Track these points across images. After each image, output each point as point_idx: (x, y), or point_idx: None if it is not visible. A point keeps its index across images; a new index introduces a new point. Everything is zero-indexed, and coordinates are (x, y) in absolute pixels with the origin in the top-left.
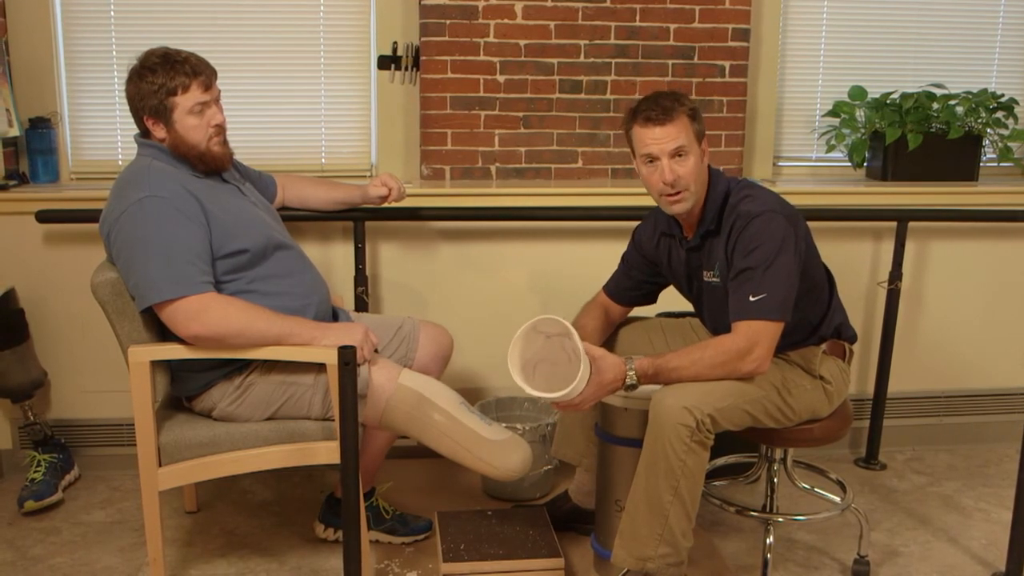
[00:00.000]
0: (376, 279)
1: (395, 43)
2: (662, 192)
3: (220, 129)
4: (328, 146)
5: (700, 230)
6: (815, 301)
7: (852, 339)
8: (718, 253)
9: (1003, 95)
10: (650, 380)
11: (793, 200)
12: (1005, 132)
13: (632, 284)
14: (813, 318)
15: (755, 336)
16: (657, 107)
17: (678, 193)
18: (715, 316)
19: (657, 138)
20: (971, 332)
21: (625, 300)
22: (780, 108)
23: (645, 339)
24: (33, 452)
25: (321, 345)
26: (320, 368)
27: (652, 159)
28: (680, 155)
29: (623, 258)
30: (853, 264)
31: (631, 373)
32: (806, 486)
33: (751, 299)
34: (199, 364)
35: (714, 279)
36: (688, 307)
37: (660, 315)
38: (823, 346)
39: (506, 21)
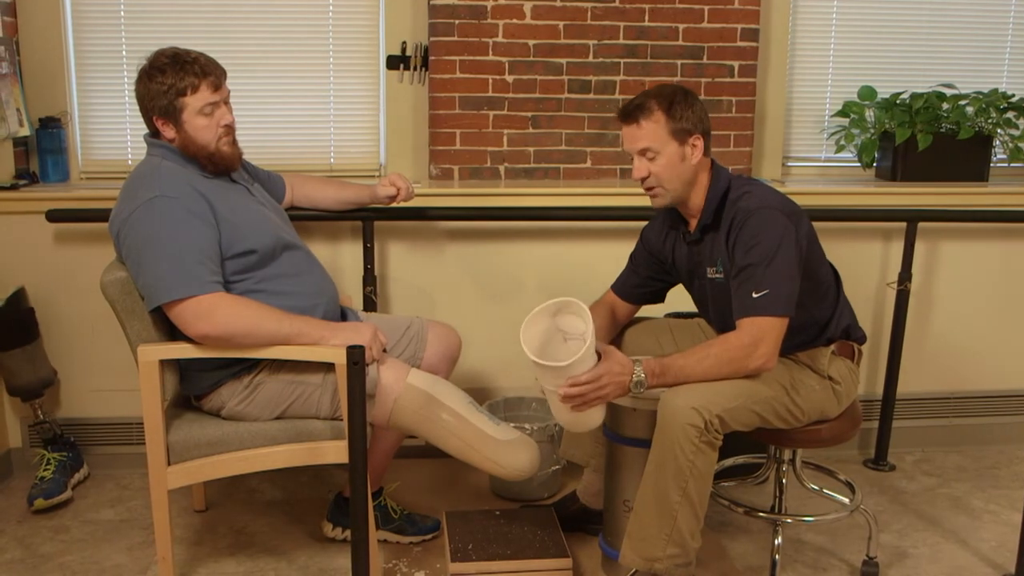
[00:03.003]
0: (385, 279)
1: (404, 43)
2: (642, 187)
3: (229, 129)
4: (337, 146)
5: (699, 224)
6: (821, 300)
7: (861, 340)
8: (719, 248)
9: (1014, 95)
10: (658, 379)
11: (802, 200)
12: (1016, 132)
13: (639, 281)
14: (820, 318)
15: (760, 332)
16: (630, 106)
17: (651, 189)
18: (720, 313)
19: (627, 137)
20: (981, 333)
21: (633, 298)
22: (789, 108)
23: (653, 339)
24: (43, 450)
25: (330, 345)
26: (329, 368)
27: (629, 155)
28: (649, 157)
29: (631, 256)
30: (862, 265)
31: (638, 369)
32: (815, 487)
33: (754, 296)
34: (208, 363)
35: (717, 275)
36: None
37: (668, 315)
38: (832, 347)
39: (515, 21)
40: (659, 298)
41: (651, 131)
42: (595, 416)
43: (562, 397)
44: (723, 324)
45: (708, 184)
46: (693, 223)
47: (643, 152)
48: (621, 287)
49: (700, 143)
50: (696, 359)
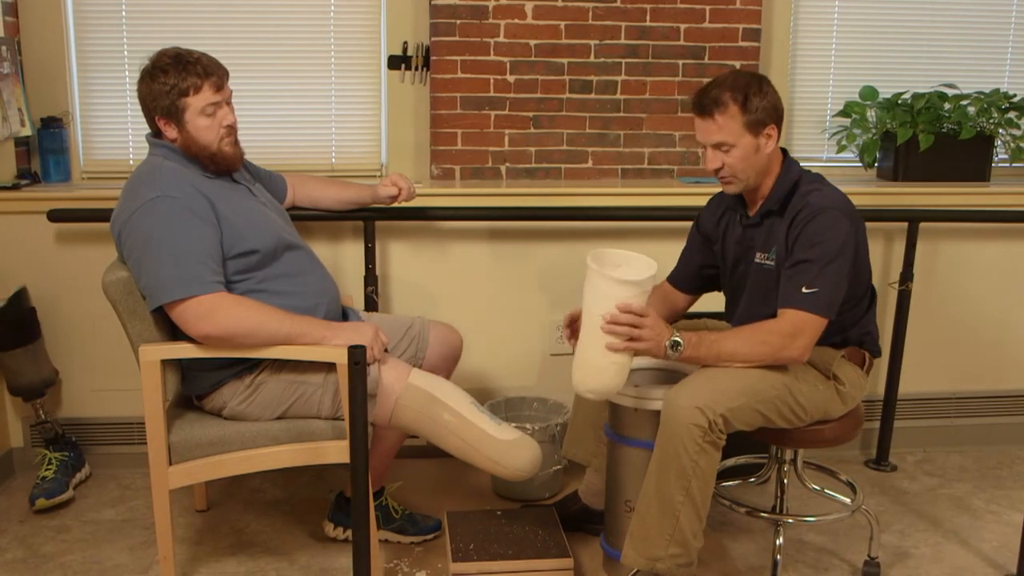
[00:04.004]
0: (386, 279)
1: (405, 43)
2: (714, 175)
3: (231, 129)
4: (338, 146)
5: (762, 209)
6: (850, 309)
7: (875, 353)
8: (778, 237)
9: (1015, 95)
10: (693, 348)
11: None
12: (1017, 132)
13: (689, 268)
14: (843, 323)
15: (802, 325)
16: (704, 98)
17: (723, 178)
18: (756, 301)
19: (701, 130)
20: (983, 333)
21: (684, 286)
22: (791, 108)
23: None
24: (44, 450)
25: (331, 344)
26: (330, 367)
27: (702, 147)
28: (723, 149)
29: (685, 244)
30: None
31: (676, 333)
32: (816, 487)
33: (804, 291)
34: (209, 363)
35: (767, 262)
36: (703, 308)
37: None
38: (842, 352)
39: (516, 21)
40: (714, 285)
41: (726, 125)
42: (618, 374)
43: (607, 321)
44: (752, 314)
45: (779, 173)
46: (754, 208)
47: (718, 145)
48: (674, 276)
49: (774, 133)
50: (731, 333)
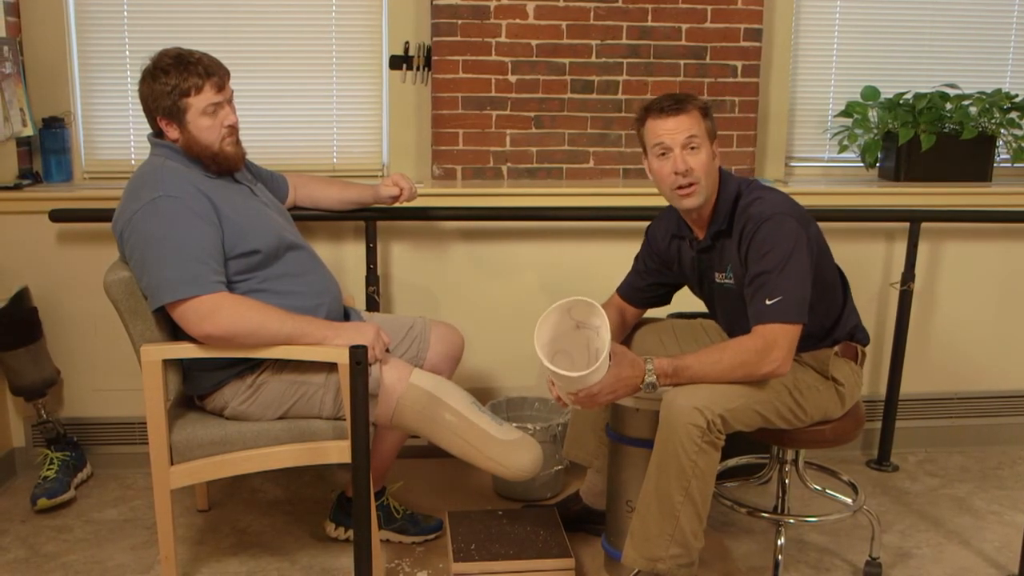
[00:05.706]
0: (387, 279)
1: (407, 43)
2: (673, 185)
3: (233, 130)
4: (340, 146)
5: (711, 230)
6: (828, 303)
7: (864, 342)
8: (730, 255)
9: (1017, 95)
10: (669, 380)
11: (805, 201)
12: (1019, 132)
13: (645, 285)
14: (827, 321)
15: (773, 338)
16: (671, 100)
17: (690, 185)
18: (729, 317)
19: (670, 129)
20: (984, 333)
21: (638, 302)
22: (792, 108)
23: (656, 340)
24: (46, 450)
25: (333, 344)
26: (331, 367)
27: (665, 150)
28: (693, 147)
29: (636, 259)
30: (865, 265)
31: (650, 369)
32: (818, 487)
33: (767, 303)
34: (211, 363)
35: (727, 281)
36: (699, 307)
37: (672, 316)
38: (836, 348)
39: (518, 21)
40: (665, 301)
41: (695, 123)
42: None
43: (574, 402)
44: (731, 327)
45: (719, 189)
46: (700, 231)
47: (688, 142)
48: (627, 291)
49: (719, 149)
50: (710, 361)
